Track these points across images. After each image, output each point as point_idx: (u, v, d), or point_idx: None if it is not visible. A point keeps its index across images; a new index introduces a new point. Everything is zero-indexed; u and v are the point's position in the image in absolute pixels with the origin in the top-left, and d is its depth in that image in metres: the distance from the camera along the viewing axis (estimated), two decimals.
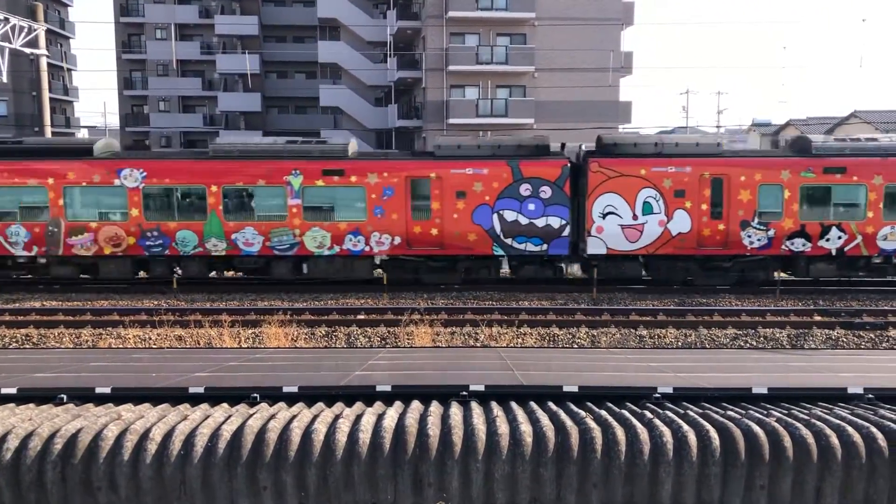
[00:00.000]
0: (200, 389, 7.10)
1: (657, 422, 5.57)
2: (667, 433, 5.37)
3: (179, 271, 21.87)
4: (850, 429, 5.25)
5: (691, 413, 5.88)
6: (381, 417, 6.11)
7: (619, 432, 5.45)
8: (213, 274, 22.40)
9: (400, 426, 5.91)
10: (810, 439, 5.20)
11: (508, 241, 20.98)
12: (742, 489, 5.16)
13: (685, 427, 5.42)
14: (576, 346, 15.31)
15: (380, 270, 22.20)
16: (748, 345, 15.39)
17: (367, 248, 21.02)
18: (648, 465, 5.28)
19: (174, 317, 16.74)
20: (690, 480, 5.21)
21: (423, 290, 21.40)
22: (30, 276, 22.18)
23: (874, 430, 5.22)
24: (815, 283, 22.04)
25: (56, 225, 20.65)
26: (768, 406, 6.23)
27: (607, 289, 21.26)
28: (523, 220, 20.85)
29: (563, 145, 21.70)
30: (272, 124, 58.84)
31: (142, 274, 22.14)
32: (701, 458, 5.25)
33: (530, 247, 21.03)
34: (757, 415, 5.69)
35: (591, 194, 20.75)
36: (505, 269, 22.89)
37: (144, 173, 20.76)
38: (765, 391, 6.48)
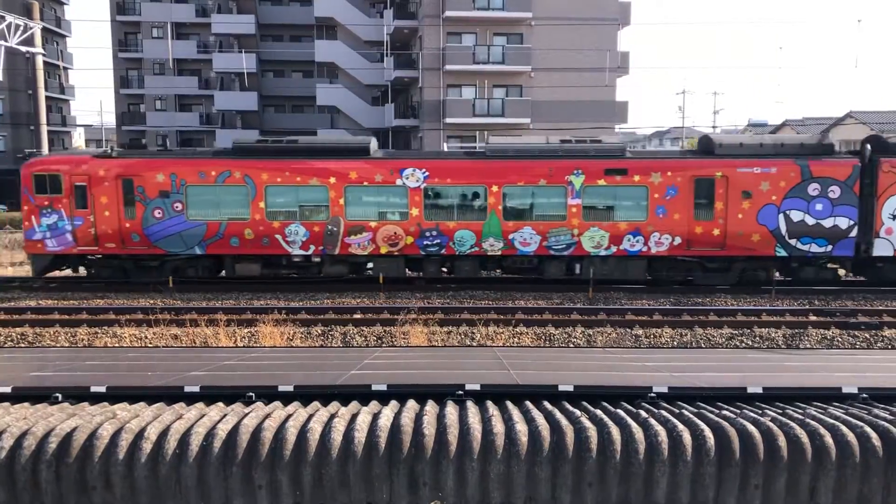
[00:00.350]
0: (196, 388, 7.10)
1: (652, 421, 5.58)
2: (662, 432, 5.38)
3: (445, 271, 22.20)
4: (844, 428, 5.26)
5: (686, 412, 5.89)
6: (376, 417, 6.11)
7: (615, 432, 5.46)
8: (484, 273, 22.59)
9: (395, 425, 5.91)
10: (805, 439, 5.21)
11: (793, 241, 20.87)
12: (737, 488, 5.17)
13: (680, 426, 5.43)
14: (572, 345, 15.32)
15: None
16: (744, 344, 15.42)
17: (645, 249, 20.98)
18: (644, 465, 5.29)
19: (170, 316, 16.73)
20: (685, 480, 5.22)
21: (418, 290, 21.40)
22: (295, 275, 22.12)
23: (868, 429, 5.23)
24: (810, 283, 22.08)
25: (336, 224, 20.90)
26: (763, 405, 6.24)
27: (603, 288, 21.29)
28: (810, 221, 20.76)
29: (831, 145, 21.51)
30: (269, 123, 58.82)
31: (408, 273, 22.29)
32: (696, 458, 5.26)
33: (815, 248, 20.95)
34: (752, 414, 5.71)
35: (881, 195, 20.71)
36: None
37: (427, 173, 20.87)
38: (760, 391, 6.50)
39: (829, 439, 5.16)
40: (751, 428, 5.33)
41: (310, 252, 21.13)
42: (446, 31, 43.05)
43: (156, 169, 20.78)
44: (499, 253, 21.10)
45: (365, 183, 20.83)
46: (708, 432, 5.36)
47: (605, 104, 43.52)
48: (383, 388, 6.98)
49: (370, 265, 22.02)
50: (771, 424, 5.36)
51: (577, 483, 5.37)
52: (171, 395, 7.10)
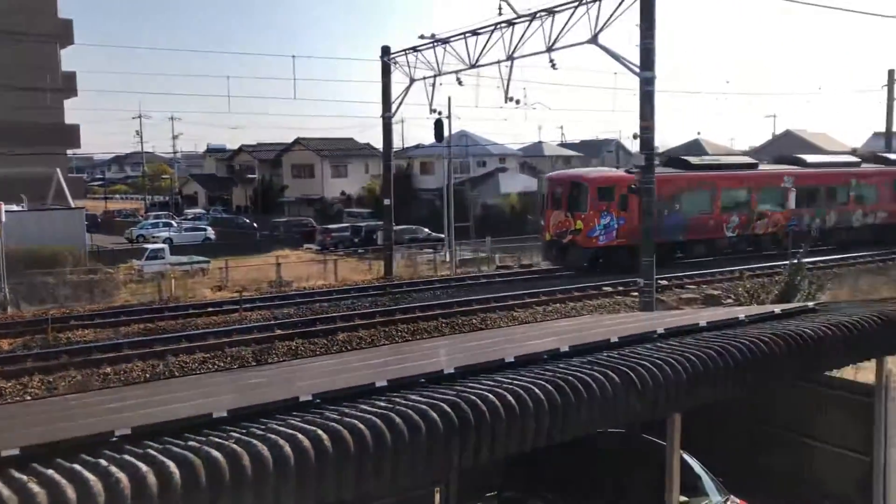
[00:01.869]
0: None
1: (113, 468, 5.16)
2: (123, 479, 5.00)
3: None
4: (300, 435, 5.61)
5: (151, 451, 5.61)
6: None
7: (69, 490, 4.89)
8: None
9: None
10: (266, 453, 5.40)
11: None
12: None
13: (144, 468, 5.13)
14: (29, 397, 13.59)
15: None
16: (216, 366, 15.61)
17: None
18: None
19: None
20: None
21: None
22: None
23: (320, 431, 5.68)
24: (275, 298, 23.47)
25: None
26: (229, 427, 6.30)
27: (63, 328, 19.41)
28: None
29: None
30: None
31: None
32: (163, 497, 5.04)
33: None
34: (217, 440, 5.70)
35: None
36: None
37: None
38: (225, 414, 6.56)
39: (287, 449, 5.44)
40: (215, 454, 5.31)
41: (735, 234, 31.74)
42: None
43: (675, 182, 29.75)
44: None
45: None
46: (173, 467, 5.17)
47: (51, 127, 39.94)
48: None
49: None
50: (234, 446, 5.43)
51: None
52: None
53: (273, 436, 5.65)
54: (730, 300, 21.20)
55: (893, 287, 24.22)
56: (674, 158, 34.33)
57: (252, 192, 70.47)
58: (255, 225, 52.26)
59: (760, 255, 30.76)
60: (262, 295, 25.12)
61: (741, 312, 8.01)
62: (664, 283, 25.20)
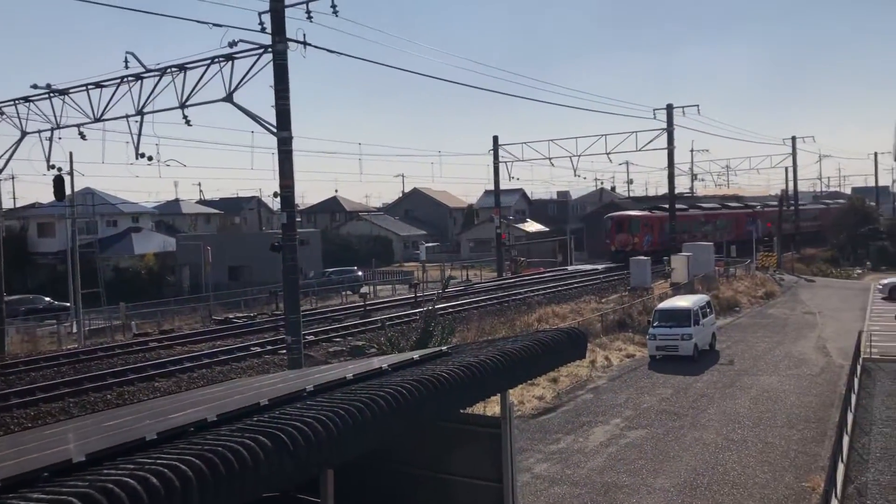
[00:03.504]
0: None
1: None
2: None
3: None
4: None
5: None
6: None
7: None
8: None
9: None
10: None
11: None
12: None
13: None
14: None
15: None
16: None
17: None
18: None
19: None
20: None
21: None
22: None
23: None
24: None
25: None
26: None
27: None
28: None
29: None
30: None
31: None
32: None
33: None
34: None
35: None
36: None
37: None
38: None
39: None
40: None
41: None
42: None
43: (663, 220, 53.81)
44: None
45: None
46: None
47: None
48: None
49: None
50: None
51: None
52: None
53: None
54: (373, 349, 22.18)
55: (509, 326, 27.47)
56: (657, 206, 59.65)
57: None
58: None
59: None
60: None
61: (385, 362, 8.39)
62: (312, 338, 25.56)
